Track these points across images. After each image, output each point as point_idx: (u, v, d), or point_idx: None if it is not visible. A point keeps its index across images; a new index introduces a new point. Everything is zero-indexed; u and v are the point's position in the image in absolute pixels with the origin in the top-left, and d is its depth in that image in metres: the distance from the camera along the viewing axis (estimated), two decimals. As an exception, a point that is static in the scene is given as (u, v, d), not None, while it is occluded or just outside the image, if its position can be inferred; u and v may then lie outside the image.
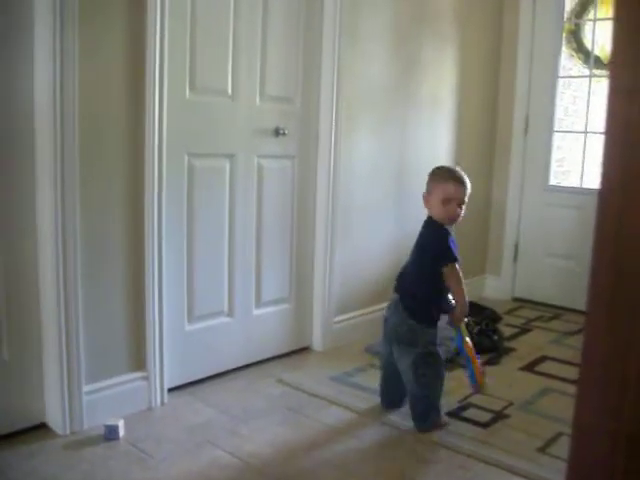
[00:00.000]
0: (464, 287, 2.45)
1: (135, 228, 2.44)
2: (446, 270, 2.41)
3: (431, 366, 2.44)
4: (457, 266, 2.42)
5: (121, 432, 2.30)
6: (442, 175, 2.50)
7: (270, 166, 2.98)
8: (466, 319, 2.51)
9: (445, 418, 2.50)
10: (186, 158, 2.63)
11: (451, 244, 2.43)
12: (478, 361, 2.51)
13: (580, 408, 0.93)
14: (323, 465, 2.19)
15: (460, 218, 2.50)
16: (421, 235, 2.52)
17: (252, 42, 2.80)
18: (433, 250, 2.46)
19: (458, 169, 2.54)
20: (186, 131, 2.61)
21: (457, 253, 2.44)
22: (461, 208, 2.48)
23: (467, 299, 2.46)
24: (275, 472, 2.13)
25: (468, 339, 2.50)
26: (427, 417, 2.45)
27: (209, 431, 2.38)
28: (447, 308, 2.47)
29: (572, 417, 0.96)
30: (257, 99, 2.87)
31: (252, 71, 2.83)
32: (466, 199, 2.50)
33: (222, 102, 2.74)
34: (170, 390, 2.64)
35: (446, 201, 2.44)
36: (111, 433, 2.28)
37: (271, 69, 2.90)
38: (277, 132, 2.94)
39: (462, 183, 2.48)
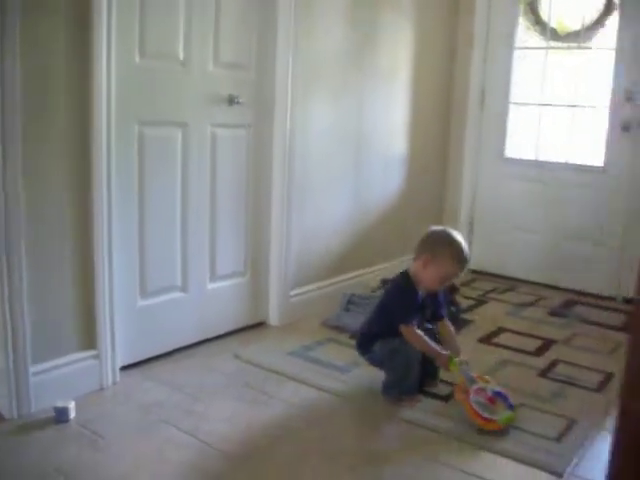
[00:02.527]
0: (425, 343, 2.39)
1: (83, 199, 2.31)
2: (402, 330, 2.40)
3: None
4: (409, 327, 2.39)
5: (72, 414, 2.19)
6: (458, 256, 2.39)
7: (224, 135, 2.87)
8: (460, 361, 2.38)
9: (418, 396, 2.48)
10: (136, 127, 2.51)
11: (410, 305, 2.41)
12: (473, 401, 2.25)
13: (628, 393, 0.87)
14: (282, 442, 2.14)
15: None
16: (390, 285, 2.57)
17: (205, 6, 2.67)
18: (390, 303, 2.49)
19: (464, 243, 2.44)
20: (136, 98, 2.48)
21: (414, 313, 2.41)
22: None
23: (437, 349, 2.40)
24: (232, 450, 2.07)
25: (473, 381, 2.32)
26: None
27: (163, 410, 2.30)
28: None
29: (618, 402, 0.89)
30: (210, 65, 2.75)
31: (205, 36, 2.70)
32: None
33: (174, 68, 2.62)
34: (122, 369, 2.55)
35: (445, 279, 2.43)
36: (61, 415, 2.17)
37: (225, 35, 2.78)
38: (231, 100, 2.83)
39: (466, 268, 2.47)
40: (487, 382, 2.34)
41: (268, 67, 3.01)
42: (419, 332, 2.40)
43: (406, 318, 2.40)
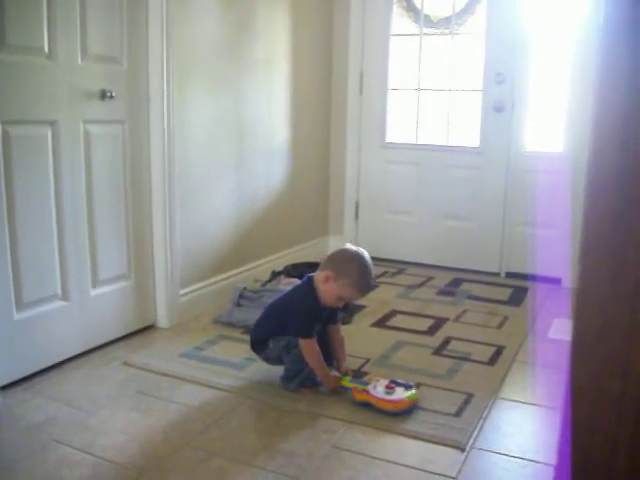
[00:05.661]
0: (318, 362, 2.38)
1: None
2: (301, 343, 2.38)
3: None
4: (308, 341, 2.37)
5: (-53, 442, 2.01)
6: (359, 284, 2.37)
7: (98, 132, 2.72)
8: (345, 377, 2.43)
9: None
10: (0, 126, 2.32)
11: (311, 318, 2.39)
12: (374, 392, 2.28)
13: (577, 368, 0.86)
14: (183, 448, 2.05)
15: None
16: (294, 291, 2.50)
17: (68, -6, 2.52)
18: (291, 313, 2.42)
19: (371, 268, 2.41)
20: (-3, 95, 2.30)
21: (314, 325, 2.39)
22: None
23: (326, 372, 2.41)
24: (131, 463, 1.96)
25: (366, 383, 2.35)
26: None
27: (53, 428, 2.15)
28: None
29: (569, 378, 0.89)
30: (79, 58, 2.58)
31: (71, 27, 2.53)
32: None
33: (38, 62, 2.44)
34: (3, 388, 2.37)
35: (342, 300, 2.41)
36: None
37: (92, 25, 2.62)
38: (103, 95, 2.69)
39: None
40: (378, 380, 2.37)
41: (141, 58, 2.88)
42: (317, 349, 2.39)
43: (306, 332, 2.38)
